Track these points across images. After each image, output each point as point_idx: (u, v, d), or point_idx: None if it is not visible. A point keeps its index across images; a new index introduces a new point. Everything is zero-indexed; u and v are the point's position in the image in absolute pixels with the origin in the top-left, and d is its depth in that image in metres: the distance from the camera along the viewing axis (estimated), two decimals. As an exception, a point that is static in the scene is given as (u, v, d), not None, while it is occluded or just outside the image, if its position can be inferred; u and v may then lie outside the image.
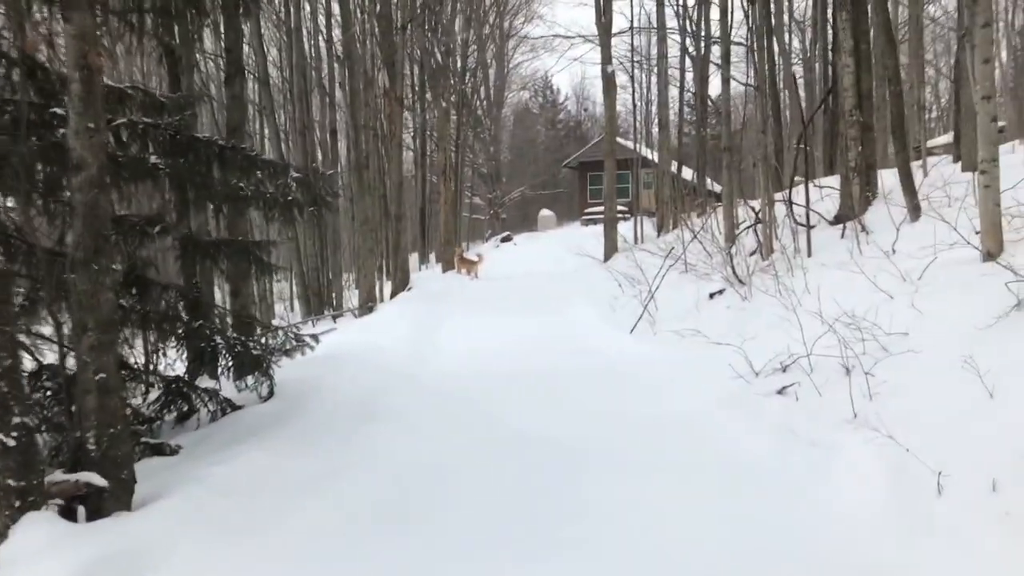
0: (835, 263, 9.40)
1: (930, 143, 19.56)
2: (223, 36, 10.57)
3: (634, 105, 25.47)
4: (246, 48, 24.76)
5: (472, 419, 7.05)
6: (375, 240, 21.65)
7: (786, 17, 26.92)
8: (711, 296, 11.39)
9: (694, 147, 28.88)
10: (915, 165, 12.76)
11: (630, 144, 36.30)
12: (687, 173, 29.46)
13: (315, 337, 8.12)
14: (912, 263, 7.68)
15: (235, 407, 7.97)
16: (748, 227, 12.14)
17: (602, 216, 38.68)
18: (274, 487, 5.35)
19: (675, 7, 26.96)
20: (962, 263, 7.31)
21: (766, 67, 12.19)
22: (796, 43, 31.27)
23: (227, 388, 8.45)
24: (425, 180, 39.35)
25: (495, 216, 46.12)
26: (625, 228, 24.79)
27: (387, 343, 11.76)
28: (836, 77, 11.78)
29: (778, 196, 13.48)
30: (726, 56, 13.79)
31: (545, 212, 45.68)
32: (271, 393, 8.05)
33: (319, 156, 23.08)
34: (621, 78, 31.16)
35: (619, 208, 35.89)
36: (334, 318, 18.91)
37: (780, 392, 6.43)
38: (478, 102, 44.67)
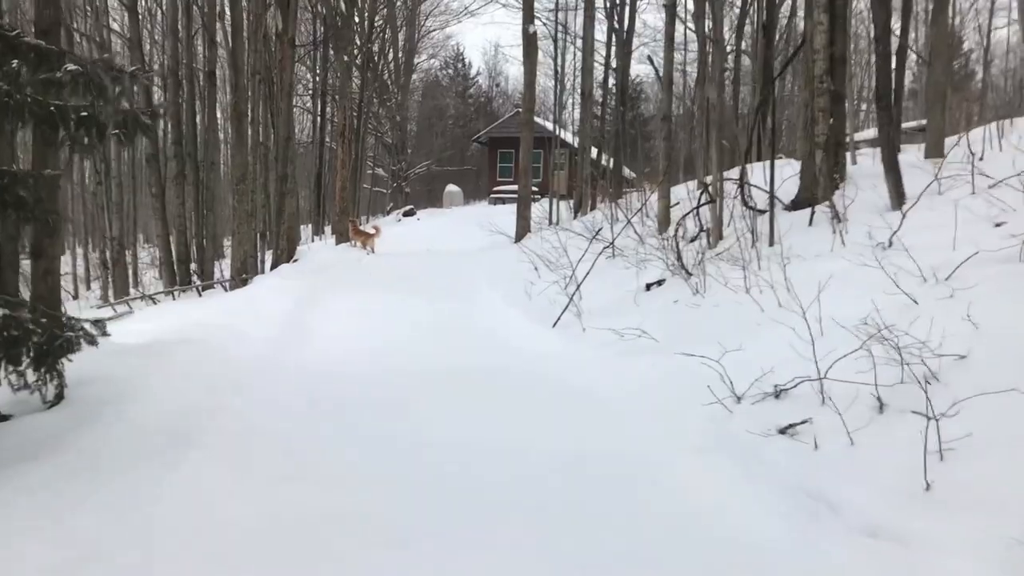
0: (811, 254, 7.66)
1: (857, 135, 18.32)
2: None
3: (555, 72, 23.44)
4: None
5: (337, 452, 4.88)
6: (256, 203, 18.96)
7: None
8: (648, 287, 9.53)
9: (608, 129, 27.28)
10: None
11: (543, 122, 34.55)
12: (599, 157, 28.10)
13: (99, 324, 5.70)
14: (931, 258, 5.94)
15: (1, 417, 5.55)
16: (698, 207, 10.31)
17: (512, 196, 36.75)
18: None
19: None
20: (997, 262, 5.61)
21: (721, 16, 10.35)
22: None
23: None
24: (323, 145, 36.54)
25: (399, 189, 43.51)
26: (537, 209, 22.87)
27: (250, 326, 9.39)
28: (805, 37, 10.04)
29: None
30: (671, 7, 11.90)
31: (451, 188, 43.39)
32: (59, 397, 5.65)
33: (197, 105, 20.17)
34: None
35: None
36: (199, 290, 16.23)
37: (784, 432, 4.52)
38: (385, 66, 41.93)
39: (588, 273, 9.46)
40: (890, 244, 6.92)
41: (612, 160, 23.98)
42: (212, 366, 6.87)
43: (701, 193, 10.65)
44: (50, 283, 6.62)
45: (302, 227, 36.67)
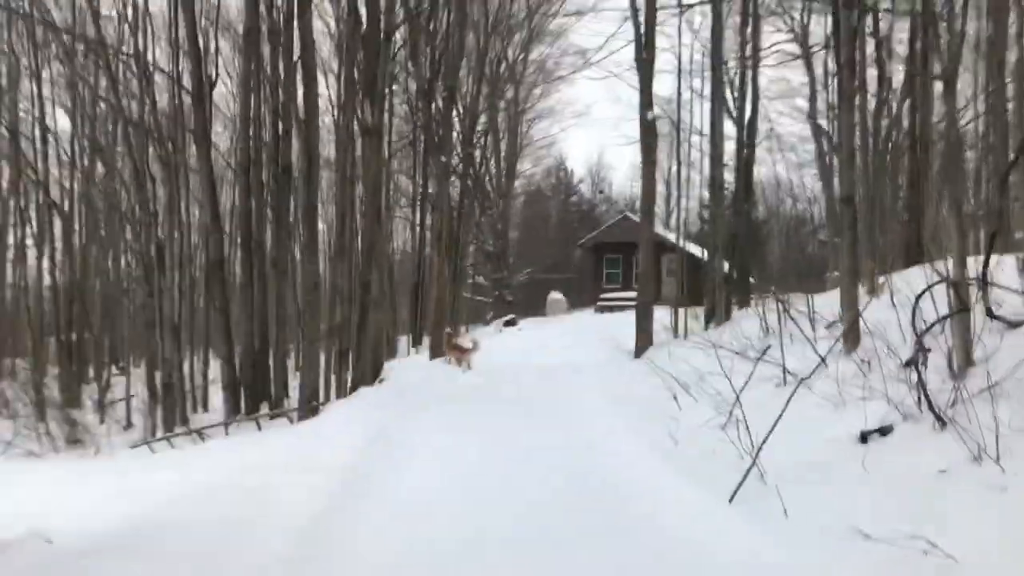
0: None
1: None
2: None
3: (678, 160, 20.96)
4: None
5: None
6: (341, 315, 16.73)
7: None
8: (864, 437, 6.41)
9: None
10: None
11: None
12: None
13: None
14: None
15: None
16: (942, 319, 7.16)
17: (621, 303, 34.10)
18: None
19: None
20: None
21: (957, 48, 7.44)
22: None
23: None
24: (422, 254, 34.93)
25: (500, 298, 41.37)
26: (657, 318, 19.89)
27: (292, 488, 6.72)
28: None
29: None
30: (850, 64, 9.08)
31: (555, 295, 41.05)
32: None
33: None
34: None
35: (630, 296, 31.37)
36: (258, 423, 13.82)
37: None
38: (487, 173, 40.52)
39: (777, 422, 6.33)
40: None
41: (734, 265, 20.98)
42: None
43: (920, 296, 7.54)
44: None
45: (403, 337, 34.71)
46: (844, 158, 9.11)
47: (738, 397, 7.78)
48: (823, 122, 29.55)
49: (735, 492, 5.88)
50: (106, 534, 5.14)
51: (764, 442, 6.11)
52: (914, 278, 8.88)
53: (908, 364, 7.55)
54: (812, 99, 32.24)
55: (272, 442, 9.69)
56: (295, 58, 15.27)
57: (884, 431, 6.37)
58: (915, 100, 15.83)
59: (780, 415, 6.19)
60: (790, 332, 10.75)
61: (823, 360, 8.68)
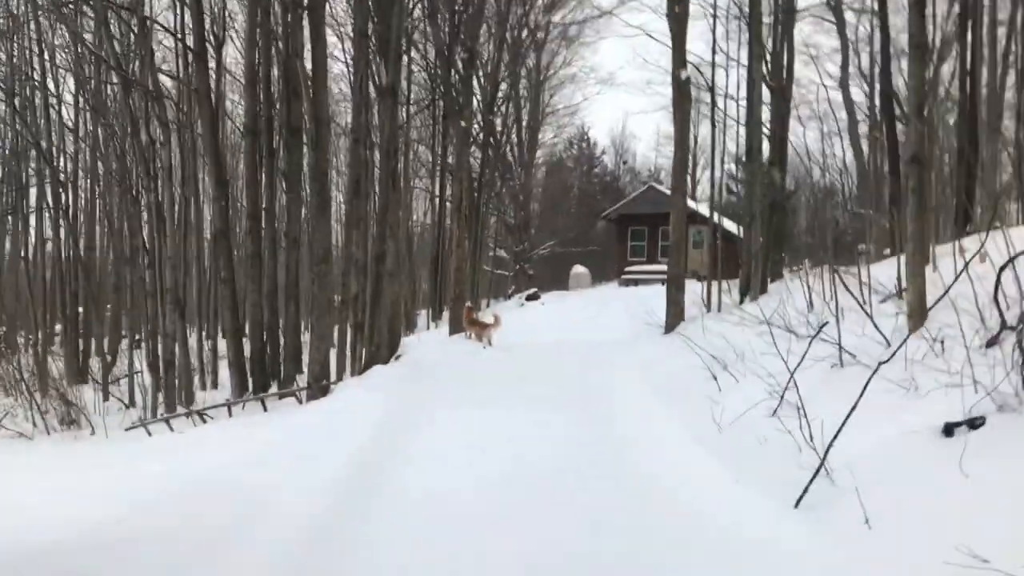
0: None
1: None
2: None
3: (712, 123, 19.86)
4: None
5: None
6: (349, 287, 15.88)
7: None
8: (950, 430, 5.48)
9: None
10: None
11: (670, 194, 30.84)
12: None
13: None
14: None
15: None
16: None
17: (647, 276, 33.10)
18: None
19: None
20: None
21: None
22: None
23: None
24: (441, 225, 34.02)
25: (521, 271, 40.42)
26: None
27: (284, 489, 5.92)
28: None
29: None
30: (919, 4, 8.06)
31: (578, 269, 40.06)
32: None
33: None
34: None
35: (656, 270, 30.41)
36: (264, 403, 13.00)
37: None
38: (507, 142, 39.40)
39: (852, 411, 5.38)
40: None
41: (768, 236, 19.91)
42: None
43: (1004, 266, 6.58)
44: None
45: (422, 311, 33.89)
46: (913, 113, 8.09)
47: (792, 378, 6.91)
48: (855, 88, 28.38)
49: (802, 495, 4.99)
50: (60, 544, 4.35)
51: (836, 436, 5.18)
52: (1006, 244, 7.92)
53: (991, 344, 6.63)
54: (844, 66, 30.87)
55: (276, 427, 8.85)
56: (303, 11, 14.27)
57: (974, 423, 5.43)
58: (964, 52, 14.68)
59: (856, 404, 5.26)
60: (840, 306, 9.81)
61: (896, 346, 7.72)
